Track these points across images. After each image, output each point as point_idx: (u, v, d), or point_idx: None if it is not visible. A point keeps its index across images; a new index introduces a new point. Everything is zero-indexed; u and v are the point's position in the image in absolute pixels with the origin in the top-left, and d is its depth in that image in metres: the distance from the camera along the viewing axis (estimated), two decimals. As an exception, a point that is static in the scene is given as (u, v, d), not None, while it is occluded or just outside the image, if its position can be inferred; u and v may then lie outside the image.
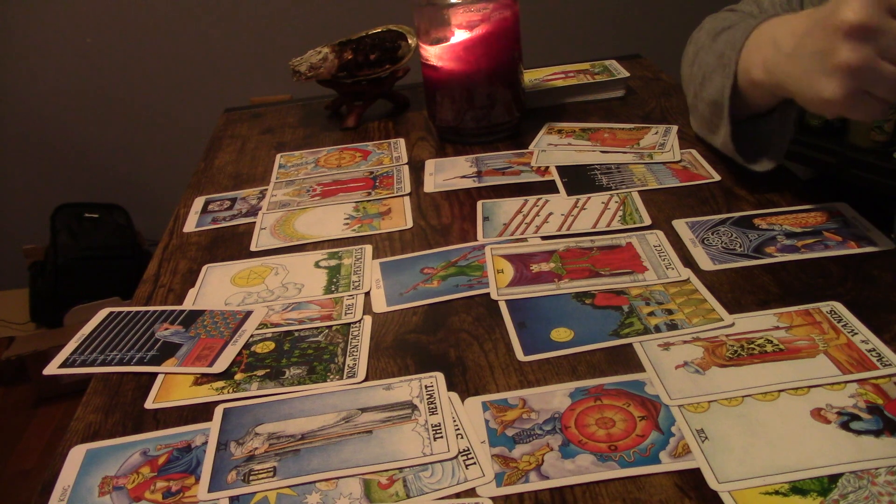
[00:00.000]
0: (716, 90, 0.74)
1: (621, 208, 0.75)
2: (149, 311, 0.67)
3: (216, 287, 0.70)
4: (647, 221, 0.72)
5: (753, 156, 0.75)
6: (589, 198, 0.77)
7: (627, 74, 1.06)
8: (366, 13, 2.30)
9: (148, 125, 2.43)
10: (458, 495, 0.45)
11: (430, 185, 0.86)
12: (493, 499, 0.44)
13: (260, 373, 0.57)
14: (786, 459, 0.44)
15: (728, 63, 0.72)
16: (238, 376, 0.57)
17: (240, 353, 0.60)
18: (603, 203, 0.76)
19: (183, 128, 2.42)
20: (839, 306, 0.57)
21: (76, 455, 0.51)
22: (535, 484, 0.45)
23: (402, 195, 0.84)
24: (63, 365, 0.61)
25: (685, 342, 0.55)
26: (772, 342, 0.54)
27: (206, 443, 0.51)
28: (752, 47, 0.70)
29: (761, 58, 0.67)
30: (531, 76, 1.09)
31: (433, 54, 0.92)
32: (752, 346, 0.54)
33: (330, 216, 0.81)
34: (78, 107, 2.37)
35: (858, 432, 0.45)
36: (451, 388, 0.53)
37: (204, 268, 0.74)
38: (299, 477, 0.47)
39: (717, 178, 0.79)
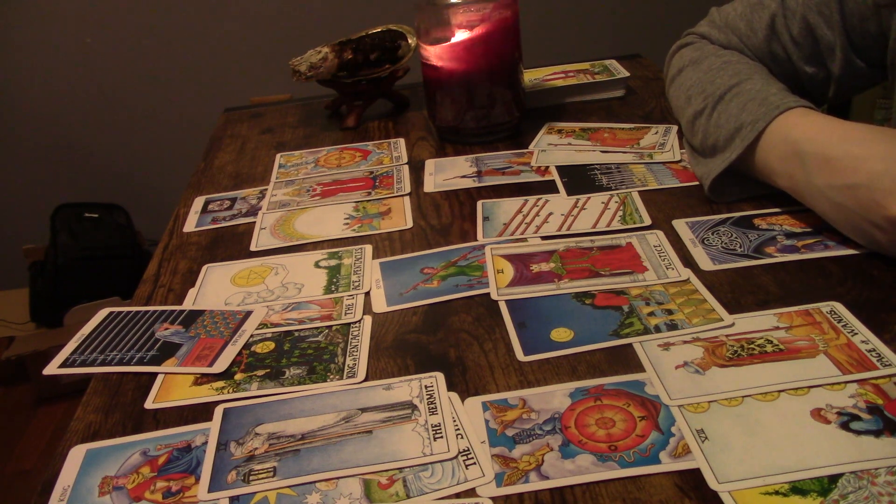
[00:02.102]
0: (716, 166, 0.73)
1: (621, 208, 0.75)
2: (149, 311, 0.67)
3: (216, 287, 0.70)
4: (647, 221, 0.72)
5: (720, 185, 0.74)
6: (589, 198, 0.77)
7: (627, 74, 1.06)
8: (366, 13, 2.30)
9: (148, 125, 2.43)
10: (458, 495, 0.45)
11: (430, 185, 0.86)
12: (493, 499, 0.44)
13: (260, 373, 0.57)
14: (786, 459, 0.44)
15: (733, 149, 0.71)
16: (238, 376, 0.57)
17: (240, 353, 0.60)
18: (603, 203, 0.76)
19: (183, 128, 2.42)
20: (839, 306, 0.57)
21: (76, 455, 0.51)
22: (535, 484, 0.45)
23: (402, 195, 0.84)
24: (63, 365, 0.61)
25: (685, 342, 0.55)
26: (772, 342, 0.54)
27: (206, 443, 0.51)
28: (769, 146, 0.68)
29: (787, 171, 0.66)
30: (531, 76, 1.09)
31: (433, 54, 0.92)
32: (752, 346, 0.54)
33: (330, 216, 0.81)
34: (78, 107, 2.37)
35: (858, 432, 0.45)
36: (451, 388, 0.53)
37: (204, 268, 0.74)
38: (299, 477, 0.47)
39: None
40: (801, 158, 0.64)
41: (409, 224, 0.78)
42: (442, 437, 0.49)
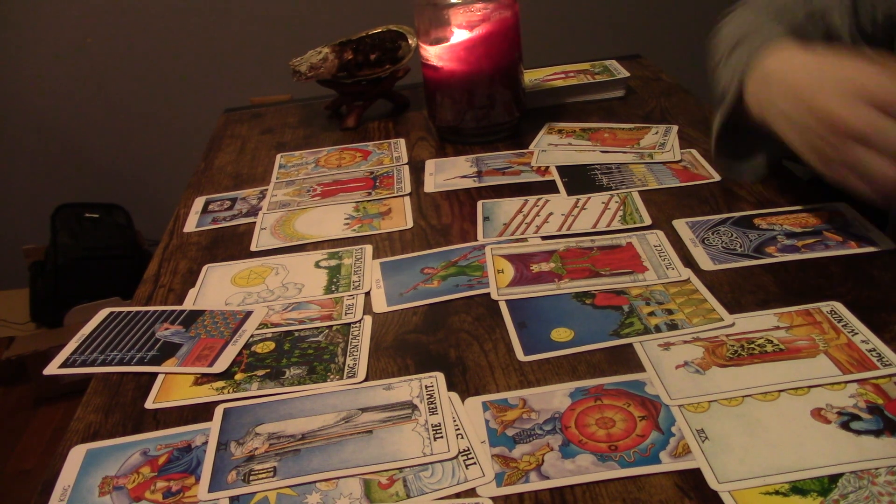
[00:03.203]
0: (719, 118, 0.73)
1: (621, 208, 0.75)
2: (149, 311, 0.67)
3: (216, 287, 0.70)
4: (648, 221, 0.72)
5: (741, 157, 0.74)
6: (589, 198, 0.77)
7: (627, 74, 1.06)
8: (366, 13, 2.30)
9: (148, 125, 2.43)
10: (458, 495, 0.45)
11: (430, 185, 0.86)
12: (493, 499, 0.44)
13: (260, 373, 0.57)
14: (786, 459, 0.44)
15: (725, 94, 0.70)
16: (238, 376, 0.57)
17: (240, 353, 0.60)
18: (603, 203, 0.76)
19: (183, 128, 2.42)
20: (839, 306, 0.57)
21: (76, 455, 0.51)
22: (535, 484, 0.45)
23: (403, 195, 0.84)
24: (63, 365, 0.61)
25: (685, 342, 0.55)
26: (772, 342, 0.54)
27: (206, 443, 0.51)
28: (755, 86, 0.67)
29: (758, 101, 0.66)
30: (531, 76, 1.09)
31: (433, 54, 0.92)
32: (752, 346, 0.54)
33: (330, 216, 0.81)
34: (78, 107, 2.37)
35: (858, 432, 0.45)
36: (451, 388, 0.53)
37: (204, 268, 0.74)
38: (299, 477, 0.47)
39: (717, 178, 0.79)
40: (769, 84, 0.64)
41: (410, 224, 0.78)
42: (442, 437, 0.49)
